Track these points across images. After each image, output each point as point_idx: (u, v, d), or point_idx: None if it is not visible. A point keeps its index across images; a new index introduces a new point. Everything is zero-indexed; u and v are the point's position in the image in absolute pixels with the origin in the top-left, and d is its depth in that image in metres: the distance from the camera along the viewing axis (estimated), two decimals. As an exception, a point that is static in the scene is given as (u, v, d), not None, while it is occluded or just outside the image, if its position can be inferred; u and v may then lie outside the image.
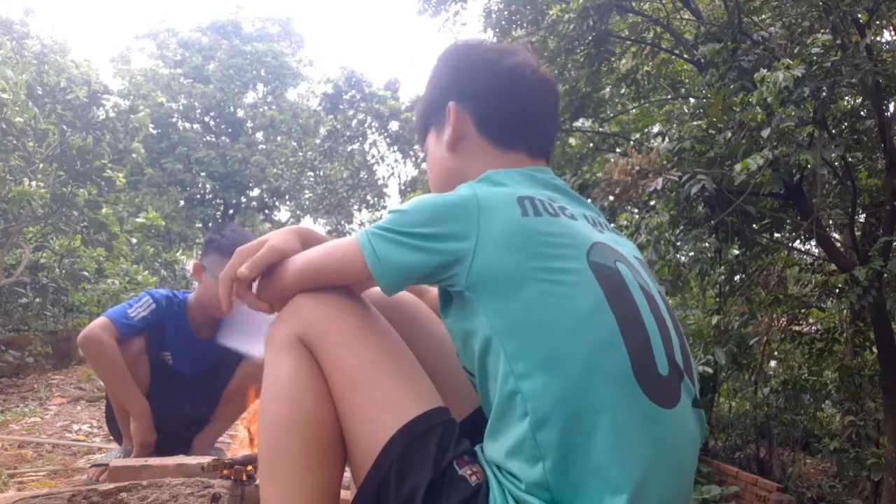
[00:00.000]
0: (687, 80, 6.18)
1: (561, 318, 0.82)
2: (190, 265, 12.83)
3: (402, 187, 12.67)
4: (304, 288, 0.97)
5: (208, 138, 17.67)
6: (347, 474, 0.96)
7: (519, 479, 0.81)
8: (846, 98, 4.34)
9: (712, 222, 4.05)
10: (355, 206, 13.00)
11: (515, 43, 1.13)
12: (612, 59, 5.30)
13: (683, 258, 4.47)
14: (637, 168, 3.35)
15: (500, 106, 1.05)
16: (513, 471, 0.82)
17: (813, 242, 5.10)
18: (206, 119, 17.90)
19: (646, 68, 5.61)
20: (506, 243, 0.85)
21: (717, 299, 4.93)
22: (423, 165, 11.71)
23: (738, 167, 3.45)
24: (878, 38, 4.58)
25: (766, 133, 3.39)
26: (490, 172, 0.96)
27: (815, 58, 3.36)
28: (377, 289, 1.08)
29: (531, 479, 0.80)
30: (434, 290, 1.26)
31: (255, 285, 1.02)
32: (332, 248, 0.96)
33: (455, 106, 1.06)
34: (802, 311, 5.17)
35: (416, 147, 12.14)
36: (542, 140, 1.08)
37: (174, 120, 17.04)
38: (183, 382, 2.26)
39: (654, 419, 0.82)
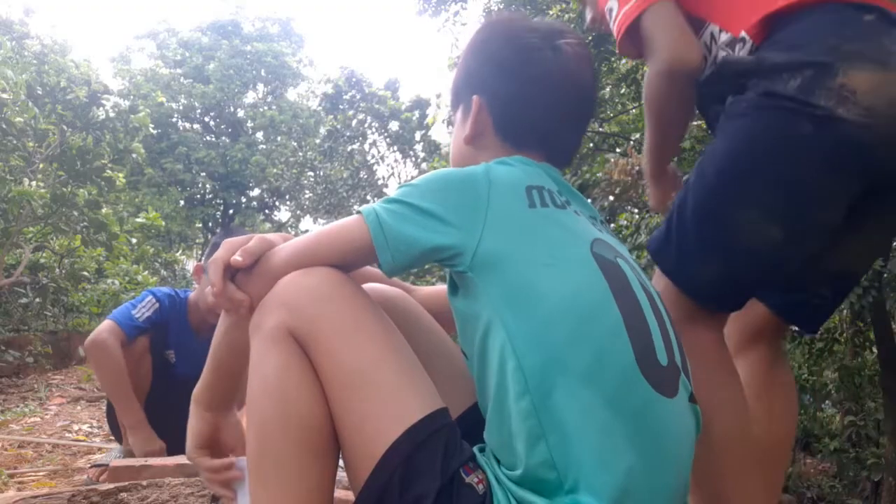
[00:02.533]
0: (687, 80, 6.18)
1: (567, 303, 0.83)
2: (191, 265, 12.83)
3: (403, 187, 12.59)
4: (297, 268, 0.90)
5: (208, 138, 17.66)
6: (341, 472, 0.92)
7: (521, 460, 0.81)
8: (846, 98, 4.34)
9: (712, 222, 4.04)
10: (355, 207, 12.98)
11: (564, 29, 1.08)
12: (612, 59, 5.30)
13: (683, 258, 4.46)
14: (637, 168, 3.34)
15: (520, 113, 1.04)
16: (515, 453, 0.82)
17: (813, 242, 5.09)
18: (206, 119, 17.90)
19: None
20: (512, 231, 0.86)
21: (717, 299, 4.93)
22: (424, 166, 11.71)
23: (738, 167, 3.45)
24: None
25: (766, 133, 3.39)
26: (504, 158, 0.97)
27: (815, 58, 3.36)
28: (369, 284, 1.07)
29: (536, 460, 0.80)
30: (422, 289, 1.28)
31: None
32: (331, 224, 0.93)
33: (478, 101, 1.05)
34: (802, 311, 5.16)
35: (416, 147, 12.13)
36: (561, 147, 1.08)
37: (174, 120, 17.04)
38: (184, 383, 2.26)
39: (654, 405, 0.83)
